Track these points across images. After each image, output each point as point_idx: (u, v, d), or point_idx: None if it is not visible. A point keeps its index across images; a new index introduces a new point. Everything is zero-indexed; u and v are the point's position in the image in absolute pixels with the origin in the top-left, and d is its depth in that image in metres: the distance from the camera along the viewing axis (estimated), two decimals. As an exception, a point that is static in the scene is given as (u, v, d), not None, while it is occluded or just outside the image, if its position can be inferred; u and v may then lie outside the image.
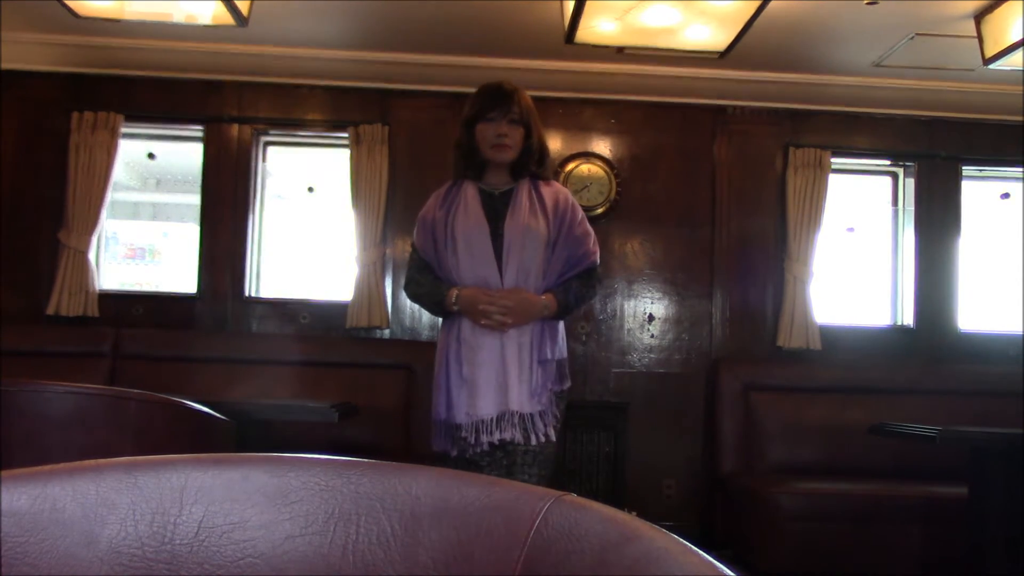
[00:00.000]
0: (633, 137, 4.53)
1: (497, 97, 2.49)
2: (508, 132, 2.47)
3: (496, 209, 2.50)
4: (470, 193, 2.52)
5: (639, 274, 4.48)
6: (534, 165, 2.54)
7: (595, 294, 2.65)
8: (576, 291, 2.53)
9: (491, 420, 2.38)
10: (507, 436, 2.37)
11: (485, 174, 2.54)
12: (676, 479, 4.36)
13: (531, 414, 2.40)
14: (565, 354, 2.55)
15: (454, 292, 2.46)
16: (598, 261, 2.60)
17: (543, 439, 2.40)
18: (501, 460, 2.42)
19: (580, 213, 2.58)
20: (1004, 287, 4.66)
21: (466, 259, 2.46)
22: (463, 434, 2.39)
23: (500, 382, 2.40)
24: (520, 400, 2.39)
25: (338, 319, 4.34)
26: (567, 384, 2.53)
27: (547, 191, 2.55)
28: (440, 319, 2.67)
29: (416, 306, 4.40)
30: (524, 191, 2.52)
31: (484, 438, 2.37)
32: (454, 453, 2.44)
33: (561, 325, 2.57)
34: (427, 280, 2.55)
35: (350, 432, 3.54)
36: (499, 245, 2.46)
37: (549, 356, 2.47)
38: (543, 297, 2.48)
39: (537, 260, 2.48)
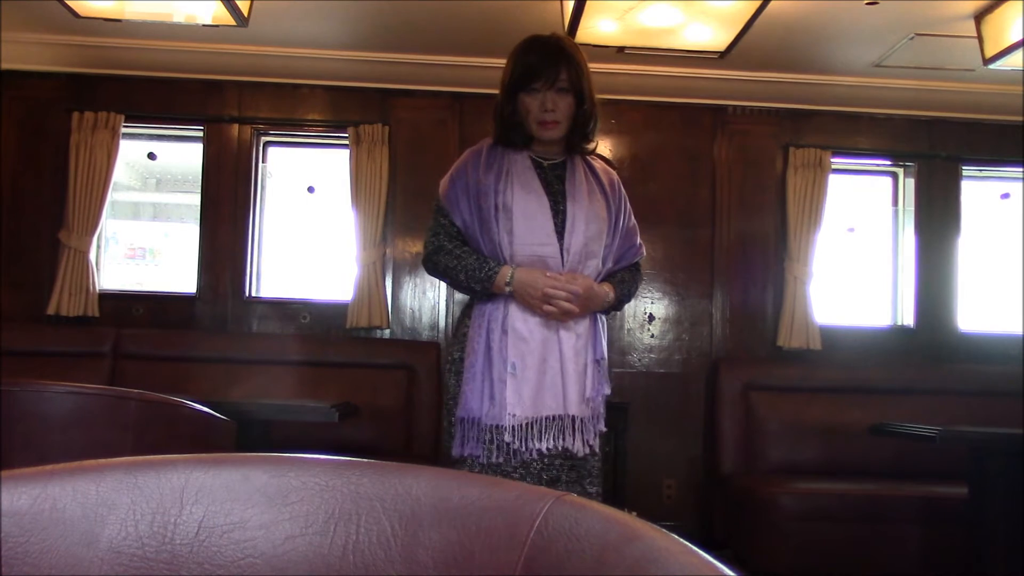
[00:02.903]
0: (633, 137, 4.53)
1: (541, 63, 2.13)
2: (555, 105, 2.14)
3: (548, 182, 2.20)
4: (521, 161, 2.21)
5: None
6: (589, 134, 2.24)
7: (637, 291, 2.44)
8: (629, 285, 2.31)
9: (542, 423, 2.07)
10: (566, 444, 2.08)
11: (532, 143, 2.23)
12: (676, 479, 4.36)
13: (583, 419, 2.11)
14: (607, 354, 2.26)
15: (508, 271, 2.10)
16: (644, 254, 2.39)
17: (587, 450, 2.12)
18: (540, 474, 2.10)
19: (628, 202, 2.34)
20: (1004, 287, 4.66)
21: (524, 235, 2.12)
22: (506, 439, 2.04)
23: (556, 380, 2.09)
24: (576, 402, 2.10)
25: (338, 319, 4.34)
26: (610, 388, 2.23)
27: (599, 169, 2.29)
28: (457, 304, 2.32)
29: (416, 305, 4.42)
30: (580, 167, 2.24)
31: (534, 444, 2.05)
32: (498, 460, 2.06)
33: (605, 322, 2.29)
34: (465, 252, 2.16)
35: (350, 432, 3.55)
36: (558, 223, 2.15)
37: (604, 354, 2.19)
38: (604, 286, 2.21)
39: (600, 244, 2.20)
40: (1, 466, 0.74)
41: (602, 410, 2.19)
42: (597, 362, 2.17)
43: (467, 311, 2.24)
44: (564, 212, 2.16)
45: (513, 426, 2.04)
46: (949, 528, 3.26)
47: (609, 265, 2.25)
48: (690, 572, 0.56)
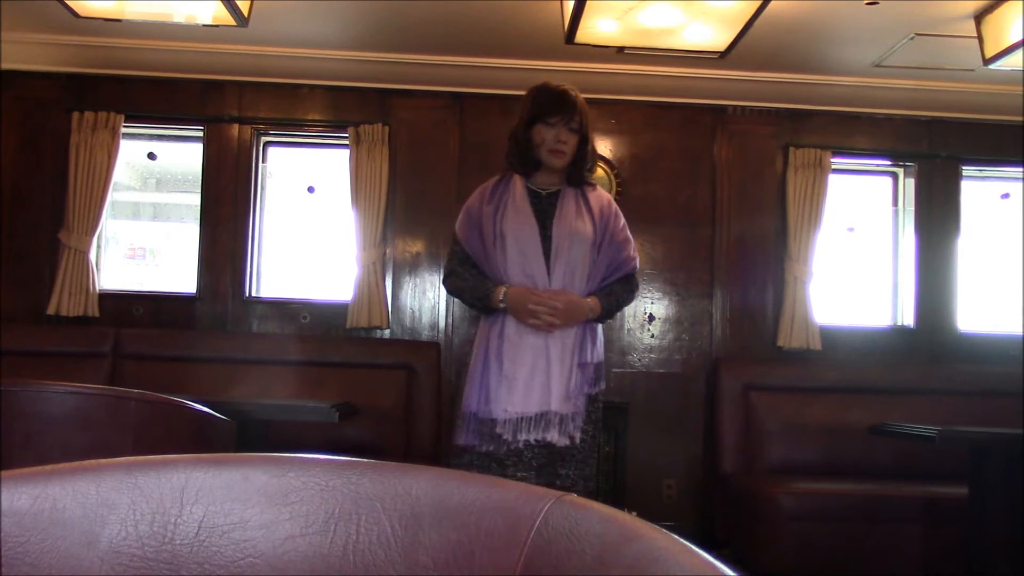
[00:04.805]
0: (633, 137, 4.53)
1: (562, 104, 2.53)
2: (567, 139, 2.52)
3: (543, 209, 2.55)
4: (519, 191, 2.56)
5: (639, 274, 4.45)
6: (585, 172, 2.61)
7: (633, 299, 2.74)
8: (618, 296, 2.61)
9: (531, 418, 2.41)
10: (547, 436, 2.41)
11: (535, 173, 2.59)
12: (676, 479, 4.36)
13: (565, 415, 2.44)
14: (602, 357, 2.60)
15: (502, 290, 2.48)
16: (637, 267, 2.69)
17: (567, 441, 2.44)
18: (531, 461, 2.44)
19: (622, 219, 2.65)
20: (1004, 287, 4.66)
21: (515, 258, 2.49)
22: (498, 430, 2.41)
23: (543, 381, 2.44)
24: (559, 400, 2.44)
25: (338, 319, 4.34)
26: (601, 386, 2.57)
27: (592, 195, 2.62)
28: (470, 314, 2.77)
29: (416, 305, 4.42)
30: (571, 193, 2.58)
31: (522, 436, 2.40)
32: (489, 448, 2.43)
33: (600, 328, 2.62)
34: (471, 275, 2.56)
35: (350, 432, 3.55)
36: (547, 246, 2.51)
37: (589, 359, 2.51)
38: (589, 300, 2.53)
39: (583, 262, 2.53)
40: (1, 466, 0.74)
41: (582, 407, 2.48)
42: (581, 366, 2.50)
43: (477, 323, 2.63)
44: (551, 237, 2.51)
45: (504, 420, 2.40)
46: (949, 528, 3.25)
47: (598, 279, 2.57)
48: (690, 572, 0.56)
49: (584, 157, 2.58)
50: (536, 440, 2.41)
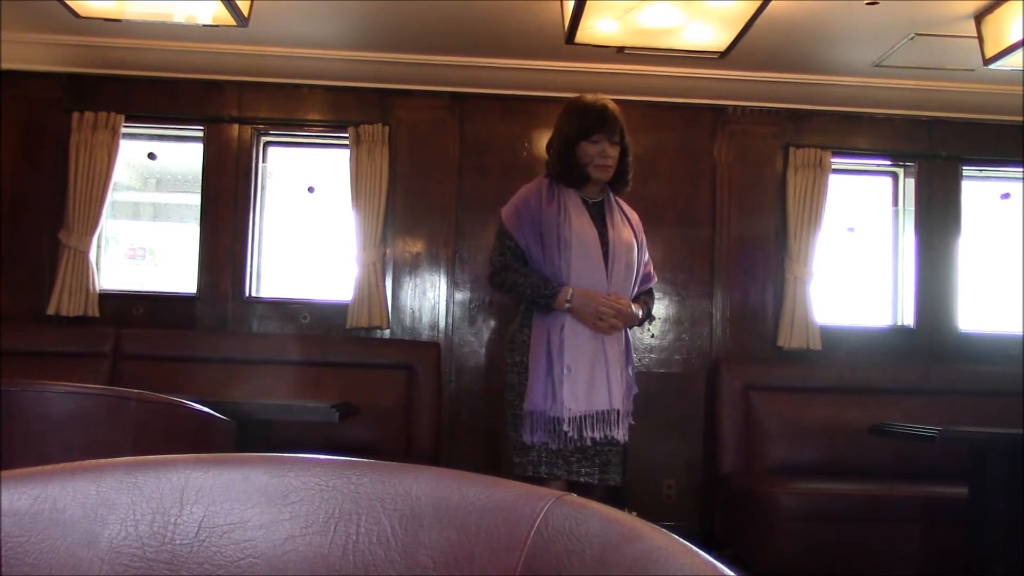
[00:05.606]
0: (633, 137, 4.44)
1: (605, 121, 2.64)
2: (612, 153, 2.66)
3: (592, 217, 2.67)
4: (575, 198, 2.67)
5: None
6: (627, 181, 2.78)
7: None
8: (650, 306, 2.81)
9: (593, 416, 2.53)
10: (612, 433, 2.55)
11: (583, 184, 2.70)
12: (676, 479, 4.36)
13: (625, 412, 2.62)
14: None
15: (568, 291, 2.56)
16: (656, 280, 2.91)
17: (626, 438, 2.63)
18: (594, 458, 2.58)
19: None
20: (1004, 287, 4.66)
21: (580, 262, 2.59)
22: (565, 428, 2.50)
23: (603, 381, 2.57)
24: (619, 399, 2.59)
25: (338, 319, 4.34)
26: (636, 388, 2.76)
27: (626, 208, 2.80)
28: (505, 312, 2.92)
29: (416, 305, 4.42)
30: (615, 204, 2.75)
31: (587, 433, 2.51)
32: (559, 445, 2.52)
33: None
34: (530, 272, 2.63)
35: (350, 432, 3.54)
36: (604, 252, 2.63)
37: (634, 360, 2.71)
38: (636, 306, 2.69)
39: (633, 269, 2.68)
40: (1, 466, 0.74)
41: (631, 405, 2.69)
42: (630, 367, 2.69)
43: (525, 321, 2.67)
44: (607, 244, 2.63)
45: (569, 418, 2.50)
46: (949, 528, 3.25)
47: (637, 285, 2.72)
48: (690, 572, 0.56)
49: (626, 167, 2.73)
50: (601, 437, 2.54)
